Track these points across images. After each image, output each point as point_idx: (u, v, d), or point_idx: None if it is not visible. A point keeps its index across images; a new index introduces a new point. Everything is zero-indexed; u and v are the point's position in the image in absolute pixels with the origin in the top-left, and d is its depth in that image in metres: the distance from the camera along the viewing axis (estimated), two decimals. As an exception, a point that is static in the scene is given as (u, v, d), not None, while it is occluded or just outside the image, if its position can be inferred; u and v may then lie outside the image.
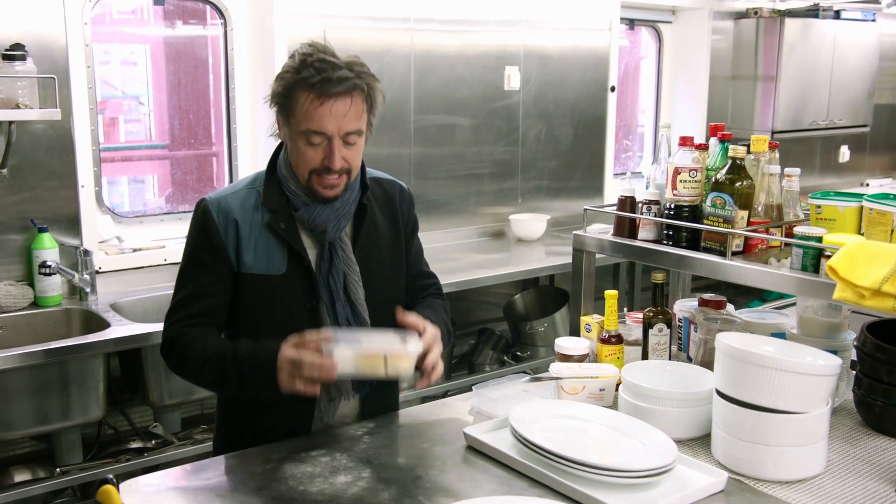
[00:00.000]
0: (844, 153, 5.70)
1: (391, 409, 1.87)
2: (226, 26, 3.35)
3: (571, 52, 4.24)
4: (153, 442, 2.71)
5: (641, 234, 2.07)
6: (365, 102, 1.65)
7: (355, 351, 1.51)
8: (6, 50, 2.60)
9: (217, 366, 1.61)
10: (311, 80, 1.59)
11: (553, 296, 3.95)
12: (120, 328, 2.60)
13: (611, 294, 1.94)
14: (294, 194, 1.69)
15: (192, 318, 1.67)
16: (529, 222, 4.03)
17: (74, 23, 2.88)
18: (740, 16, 4.94)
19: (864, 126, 5.52)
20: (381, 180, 1.84)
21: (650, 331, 1.96)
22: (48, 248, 2.79)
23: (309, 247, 1.71)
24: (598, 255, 2.18)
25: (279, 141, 1.75)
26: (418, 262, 1.88)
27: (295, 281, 1.68)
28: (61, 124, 2.80)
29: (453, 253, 3.72)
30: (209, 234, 1.68)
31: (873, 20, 5.33)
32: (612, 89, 4.41)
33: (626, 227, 2.11)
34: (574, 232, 2.22)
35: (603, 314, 1.99)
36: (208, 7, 3.38)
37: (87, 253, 2.87)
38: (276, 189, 1.70)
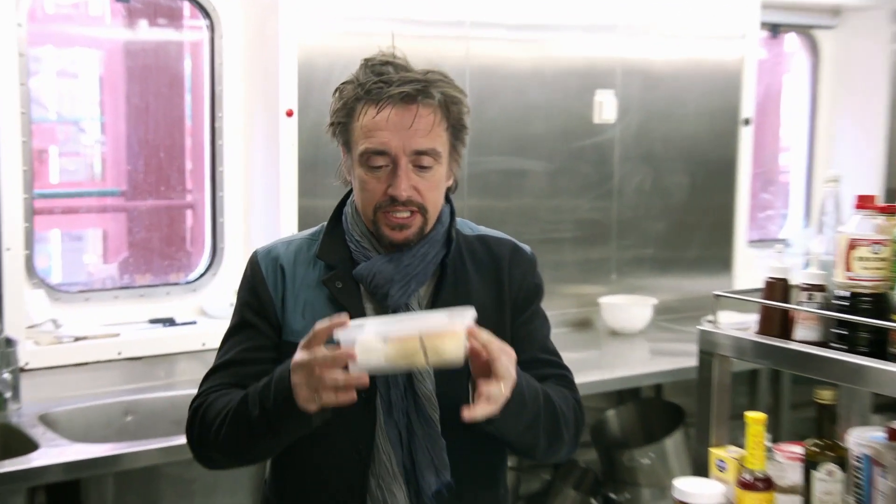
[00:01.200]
0: None
1: None
2: (212, 31, 3.44)
3: (689, 69, 4.27)
4: None
5: (799, 332, 2.04)
6: (442, 117, 1.78)
7: (380, 334, 1.55)
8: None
9: (237, 412, 1.73)
10: (367, 84, 1.76)
11: (662, 414, 3.89)
12: (52, 451, 2.59)
13: (756, 418, 1.91)
14: (357, 246, 1.84)
15: (222, 387, 1.83)
16: (628, 308, 4.01)
17: (4, 22, 2.96)
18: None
19: None
20: (488, 237, 1.97)
21: (815, 473, 1.93)
22: (-44, 336, 2.83)
23: (370, 314, 1.81)
24: (733, 360, 2.15)
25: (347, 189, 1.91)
26: (531, 346, 1.91)
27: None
28: (-21, 164, 2.86)
29: None
30: (256, 289, 1.87)
31: None
32: (747, 122, 4.41)
33: (777, 323, 2.08)
34: (701, 327, 2.19)
35: (742, 445, 1.96)
36: (187, 3, 3.46)
37: (9, 343, 2.90)
38: (337, 241, 1.87)
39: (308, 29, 3.35)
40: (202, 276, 3.50)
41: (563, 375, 1.93)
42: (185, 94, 3.61)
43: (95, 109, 3.74)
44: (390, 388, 1.79)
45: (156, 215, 3.65)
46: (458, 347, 1.58)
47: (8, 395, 2.89)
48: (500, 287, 1.90)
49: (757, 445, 1.91)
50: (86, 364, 3.12)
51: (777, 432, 4.04)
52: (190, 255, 3.66)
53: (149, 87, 3.58)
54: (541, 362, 1.90)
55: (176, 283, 3.49)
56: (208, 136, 3.51)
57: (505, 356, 1.63)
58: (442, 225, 1.87)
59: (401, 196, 1.76)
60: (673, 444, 3.63)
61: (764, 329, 2.09)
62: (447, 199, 1.92)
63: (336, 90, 1.84)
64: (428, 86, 1.77)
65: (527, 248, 2.00)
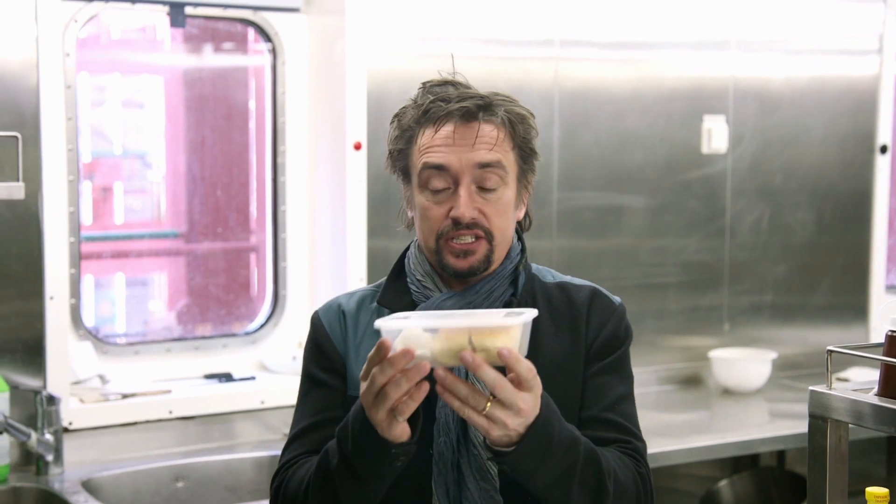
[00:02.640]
0: None
1: None
2: (275, 57, 3.50)
3: (813, 89, 4.22)
4: None
5: (930, 394, 1.97)
6: (507, 135, 1.84)
7: (426, 327, 1.56)
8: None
9: (319, 469, 1.76)
10: (426, 104, 1.83)
11: (784, 485, 3.85)
12: (95, 520, 2.65)
13: (878, 495, 1.86)
14: (419, 287, 1.90)
15: (300, 457, 1.87)
16: (743, 363, 3.96)
17: (50, 51, 3.05)
18: None
19: None
20: (568, 284, 1.98)
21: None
22: (-6, 393, 2.90)
23: None
24: (852, 426, 2.09)
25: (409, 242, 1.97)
26: (597, 402, 1.89)
27: None
28: (24, 205, 2.94)
29: None
30: (321, 345, 1.93)
31: None
32: (884, 150, 4.34)
33: (903, 383, 2.01)
34: (812, 387, 2.14)
35: (866, 525, 1.90)
36: (251, 29, 3.54)
37: (52, 401, 2.95)
38: (400, 286, 1.93)
39: (378, 52, 3.40)
40: (262, 326, 3.55)
41: (628, 442, 1.88)
42: (248, 125, 3.68)
43: (159, 142, 3.83)
44: (440, 435, 1.80)
45: (217, 259, 3.72)
46: (513, 346, 1.56)
47: (49, 458, 2.94)
48: (577, 336, 1.90)
49: (879, 525, 1.85)
50: (134, 424, 3.17)
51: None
52: (253, 302, 3.71)
53: (208, 118, 3.66)
54: (606, 423, 1.87)
55: (233, 335, 3.54)
56: (270, 172, 3.57)
57: (527, 365, 1.60)
58: (511, 261, 1.89)
59: (463, 217, 1.79)
60: (796, 519, 3.57)
61: (886, 391, 2.04)
62: (518, 237, 1.94)
63: (394, 117, 1.90)
64: (490, 103, 1.82)
65: (615, 297, 1.98)
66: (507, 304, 1.88)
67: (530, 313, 1.62)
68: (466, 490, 1.80)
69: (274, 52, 3.50)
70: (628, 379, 1.96)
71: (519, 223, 1.94)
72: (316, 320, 1.95)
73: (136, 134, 3.92)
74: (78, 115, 3.22)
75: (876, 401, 2.04)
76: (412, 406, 1.58)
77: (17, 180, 2.79)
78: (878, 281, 4.41)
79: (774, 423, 3.71)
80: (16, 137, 2.81)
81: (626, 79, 3.86)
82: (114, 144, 3.82)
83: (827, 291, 4.32)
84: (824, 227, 4.28)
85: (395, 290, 1.92)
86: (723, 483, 3.85)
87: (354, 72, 3.36)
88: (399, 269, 1.95)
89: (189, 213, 3.69)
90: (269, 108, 3.55)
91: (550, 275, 1.99)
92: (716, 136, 4.00)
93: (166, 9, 3.33)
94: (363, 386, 1.61)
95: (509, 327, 1.57)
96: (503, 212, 1.84)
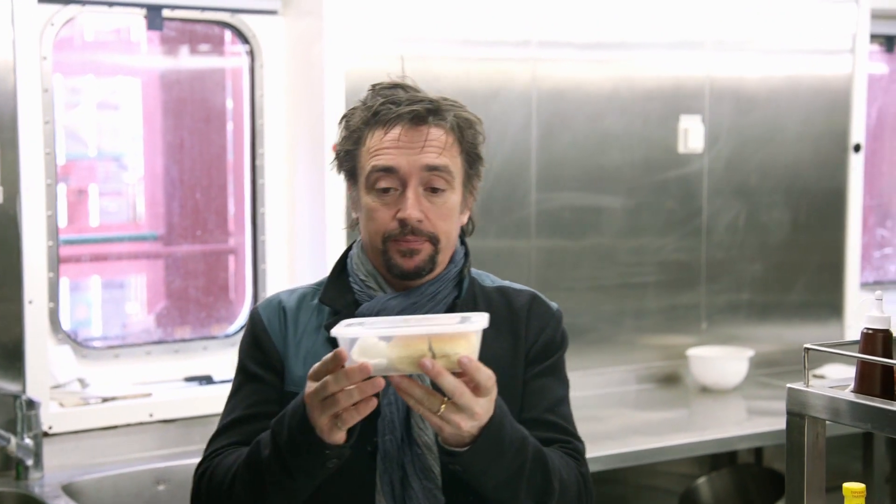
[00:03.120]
0: None
1: None
2: (252, 59, 3.50)
3: (788, 88, 4.25)
4: None
5: (904, 390, 1.99)
6: (455, 140, 1.88)
7: (382, 335, 1.57)
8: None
9: (249, 461, 1.77)
10: (375, 107, 1.86)
11: (762, 482, 3.88)
12: (77, 523, 2.64)
13: (855, 490, 1.88)
14: (361, 286, 1.92)
15: (229, 447, 1.88)
16: (720, 361, 3.98)
17: (27, 54, 3.05)
18: None
19: None
20: (508, 289, 2.02)
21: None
22: (-26, 397, 2.90)
23: None
24: (829, 422, 2.11)
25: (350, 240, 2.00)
26: (538, 405, 1.93)
27: None
28: (2, 209, 2.94)
29: (598, 408, 3.68)
30: (258, 339, 1.95)
31: None
32: (857, 148, 4.37)
33: (878, 381, 2.03)
34: (789, 385, 2.16)
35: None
36: (227, 31, 3.54)
37: (31, 405, 2.95)
38: (342, 285, 1.95)
39: (356, 54, 3.40)
40: (242, 328, 3.54)
41: (569, 442, 1.93)
42: (225, 127, 3.68)
43: (136, 144, 3.82)
44: (385, 433, 1.82)
45: (195, 262, 3.72)
46: (472, 352, 1.59)
47: (29, 462, 2.93)
48: (517, 340, 1.94)
49: (857, 520, 1.87)
50: (115, 427, 3.17)
51: (894, 504, 3.97)
52: (232, 305, 3.71)
53: (186, 121, 3.65)
54: (546, 424, 1.90)
55: (213, 337, 3.55)
56: (248, 175, 3.57)
57: (487, 373, 1.63)
58: (455, 265, 1.93)
59: (410, 218, 1.82)
60: (774, 516, 3.60)
61: (862, 387, 2.06)
62: (461, 241, 1.97)
63: (342, 118, 1.93)
64: (440, 107, 1.86)
65: (552, 303, 2.03)
66: (451, 307, 1.92)
67: (485, 318, 1.64)
68: (410, 488, 1.83)
69: (252, 54, 3.51)
70: (565, 383, 2.01)
71: (462, 228, 1.98)
72: (255, 315, 1.97)
73: (112, 136, 3.91)
74: (55, 118, 3.22)
75: (852, 397, 2.06)
76: (357, 418, 1.61)
77: (-4, 184, 2.80)
78: (853, 279, 4.43)
79: (752, 421, 3.72)
80: (-6, 141, 2.81)
81: (603, 79, 3.87)
82: (89, 147, 3.81)
83: (802, 289, 4.34)
84: (800, 225, 4.31)
85: (336, 289, 1.94)
86: (701, 480, 3.88)
87: (332, 74, 3.36)
88: (341, 268, 1.97)
89: (167, 215, 3.69)
90: (248, 111, 3.56)
91: (489, 279, 2.03)
92: (692, 135, 4.02)
93: (143, 11, 3.33)
94: (310, 386, 1.62)
95: (469, 333, 1.59)
96: (448, 215, 1.87)
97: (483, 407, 1.62)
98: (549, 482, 1.78)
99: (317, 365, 1.62)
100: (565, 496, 1.82)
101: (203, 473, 1.86)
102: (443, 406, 1.59)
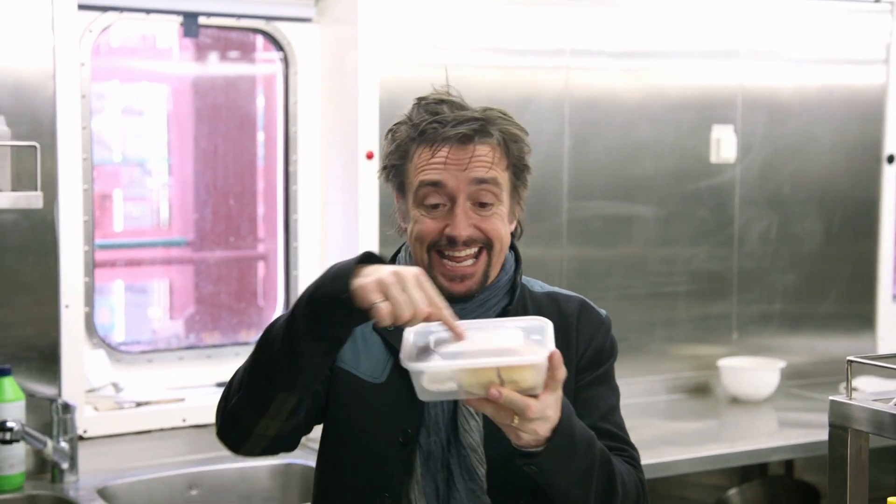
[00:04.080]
0: None
1: None
2: (286, 66, 3.52)
3: (821, 98, 4.24)
4: None
5: (948, 403, 1.99)
6: (502, 155, 1.88)
7: (452, 366, 1.57)
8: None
9: (265, 336, 1.74)
10: (422, 125, 1.85)
11: (794, 494, 3.86)
12: (112, 527, 2.66)
13: (898, 504, 1.86)
14: None
15: None
16: (752, 372, 3.97)
17: (67, 61, 3.06)
18: None
19: None
20: (558, 295, 2.02)
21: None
22: (10, 401, 2.90)
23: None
24: (873, 435, 2.11)
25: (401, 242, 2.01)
26: (591, 413, 1.92)
27: (391, 399, 1.86)
28: (41, 214, 2.96)
29: (629, 418, 3.50)
30: None
31: None
32: (891, 160, 4.36)
33: (922, 393, 2.03)
34: (832, 397, 2.15)
35: (885, 535, 1.91)
36: (258, 38, 3.56)
37: (67, 409, 2.97)
38: None
39: (390, 61, 3.42)
40: (274, 335, 3.56)
41: (624, 450, 1.93)
42: (256, 134, 3.70)
43: (162, 150, 3.85)
44: (430, 435, 1.83)
45: (225, 267, 3.73)
46: (538, 377, 1.60)
47: (65, 465, 2.96)
48: (567, 346, 1.93)
49: (900, 535, 1.87)
50: (148, 432, 3.19)
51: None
52: (261, 310, 3.73)
53: (218, 127, 3.67)
54: (601, 433, 1.89)
55: (246, 343, 3.55)
56: (281, 181, 3.58)
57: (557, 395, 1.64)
58: (506, 273, 1.94)
59: (460, 235, 1.82)
60: (806, 528, 3.58)
61: (906, 400, 2.06)
62: (512, 247, 1.97)
63: (388, 132, 1.93)
64: (486, 124, 1.85)
65: (601, 310, 2.03)
66: (503, 314, 1.92)
67: (550, 341, 1.63)
68: (455, 490, 1.83)
69: (286, 61, 3.52)
70: (616, 391, 2.01)
71: (511, 234, 1.97)
72: None
73: (143, 142, 3.93)
74: (91, 124, 3.24)
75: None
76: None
77: (36, 189, 2.81)
78: (886, 290, 4.42)
79: (783, 432, 3.71)
80: (34, 147, 2.82)
81: (635, 88, 3.88)
82: (113, 152, 3.83)
83: (834, 301, 4.33)
84: (832, 236, 4.30)
85: None
86: (732, 492, 3.86)
87: (366, 81, 3.38)
88: None
89: (197, 221, 3.71)
90: (281, 117, 3.57)
91: (538, 285, 2.03)
92: (724, 145, 4.02)
93: (180, 19, 3.35)
94: (408, 272, 1.58)
95: (535, 361, 1.59)
96: (499, 222, 1.88)
97: (554, 409, 1.63)
98: (614, 483, 1.79)
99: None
100: (627, 499, 1.83)
101: (228, 386, 1.88)
102: (516, 418, 1.60)
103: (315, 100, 3.56)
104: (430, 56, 3.49)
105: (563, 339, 1.92)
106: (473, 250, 1.85)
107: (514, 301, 1.94)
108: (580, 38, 3.76)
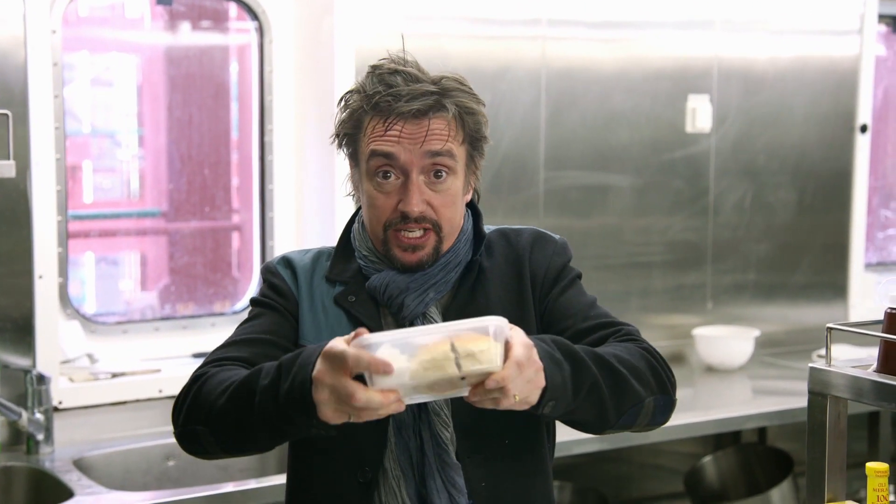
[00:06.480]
0: None
1: None
2: (261, 34, 3.48)
3: (795, 69, 4.25)
4: None
5: (926, 370, 1.99)
6: (458, 129, 1.85)
7: (405, 350, 1.53)
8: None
9: (244, 385, 1.70)
10: (375, 97, 1.82)
11: (767, 461, 3.87)
12: (87, 499, 2.61)
13: (878, 469, 1.88)
14: (367, 262, 1.92)
15: (233, 361, 1.83)
16: (726, 341, 3.99)
17: (37, 29, 3.03)
18: None
19: None
20: (507, 231, 2.01)
21: (945, 533, 1.87)
22: (-15, 372, 2.90)
23: (389, 328, 1.88)
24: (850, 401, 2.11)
25: (356, 208, 1.99)
26: (572, 316, 1.91)
27: None
28: (13, 183, 2.92)
29: None
30: (275, 286, 1.93)
31: None
32: (863, 129, 4.37)
33: (901, 360, 2.03)
34: (812, 364, 2.16)
35: (861, 499, 1.93)
36: (233, 4, 3.51)
37: (41, 379, 2.95)
38: (348, 259, 1.95)
39: (367, 30, 3.39)
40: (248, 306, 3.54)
41: (618, 331, 1.89)
42: (230, 104, 3.67)
43: (133, 121, 3.81)
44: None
45: (199, 238, 3.70)
46: (494, 354, 1.54)
47: (40, 437, 2.94)
48: (521, 278, 1.93)
49: (880, 501, 1.87)
50: (124, 403, 3.17)
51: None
52: (237, 281, 3.71)
53: (191, 97, 3.64)
54: (588, 330, 1.88)
55: (221, 314, 3.54)
56: (257, 151, 3.56)
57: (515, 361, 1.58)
58: (464, 233, 1.92)
59: (412, 211, 1.81)
60: (780, 495, 3.59)
61: (885, 367, 2.06)
62: (471, 204, 1.97)
63: (340, 99, 1.90)
64: (441, 97, 1.82)
65: (556, 235, 2.01)
66: (468, 269, 1.91)
67: (500, 322, 1.57)
68: (426, 456, 1.83)
69: (261, 30, 3.49)
70: (585, 294, 1.97)
71: (470, 200, 1.96)
72: (271, 266, 1.96)
73: (113, 113, 3.89)
74: (63, 92, 3.20)
75: (876, 377, 2.07)
76: (373, 418, 1.57)
77: (8, 158, 2.79)
78: (858, 259, 4.45)
79: (757, 400, 3.74)
80: (6, 115, 2.80)
81: (612, 58, 3.87)
82: (82, 123, 3.79)
83: (807, 270, 4.35)
84: (805, 206, 4.32)
85: (343, 265, 1.94)
86: (706, 459, 3.88)
87: (342, 50, 3.35)
88: (345, 243, 1.97)
89: (171, 192, 3.68)
90: (256, 87, 3.54)
91: (492, 228, 2.02)
92: (700, 115, 4.02)
93: (153, -14, 3.32)
94: (328, 376, 1.54)
95: (491, 332, 1.54)
96: (452, 202, 1.86)
97: (532, 371, 1.59)
98: (617, 372, 1.74)
99: (338, 346, 1.54)
100: (641, 376, 1.79)
101: (199, 377, 1.80)
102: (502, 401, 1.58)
103: (290, 69, 3.53)
104: (406, 25, 3.45)
105: (516, 275, 1.93)
106: (423, 229, 1.84)
107: (479, 249, 1.93)
108: (557, 8, 3.74)
